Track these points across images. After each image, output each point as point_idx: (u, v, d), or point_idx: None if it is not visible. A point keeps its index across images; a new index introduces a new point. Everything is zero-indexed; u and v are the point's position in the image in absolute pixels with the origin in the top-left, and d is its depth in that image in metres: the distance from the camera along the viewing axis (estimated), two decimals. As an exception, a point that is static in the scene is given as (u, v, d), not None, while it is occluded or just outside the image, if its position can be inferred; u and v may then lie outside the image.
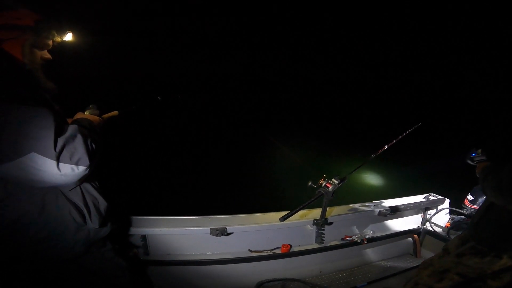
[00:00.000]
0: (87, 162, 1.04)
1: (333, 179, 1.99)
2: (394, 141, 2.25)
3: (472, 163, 1.71)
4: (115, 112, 1.51)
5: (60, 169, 0.98)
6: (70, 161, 1.00)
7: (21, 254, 1.17)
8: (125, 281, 1.43)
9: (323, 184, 1.98)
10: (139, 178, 5.63)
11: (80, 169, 1.03)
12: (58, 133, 1.00)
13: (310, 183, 2.01)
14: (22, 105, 0.97)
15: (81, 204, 1.20)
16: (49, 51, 1.18)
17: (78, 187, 1.20)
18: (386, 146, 2.23)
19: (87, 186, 1.24)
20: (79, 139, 1.04)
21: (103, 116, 1.41)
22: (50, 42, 1.17)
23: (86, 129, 1.14)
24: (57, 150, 0.97)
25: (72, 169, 1.01)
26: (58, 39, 1.19)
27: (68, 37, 1.23)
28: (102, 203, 1.29)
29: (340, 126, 10.93)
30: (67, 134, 1.03)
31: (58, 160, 0.97)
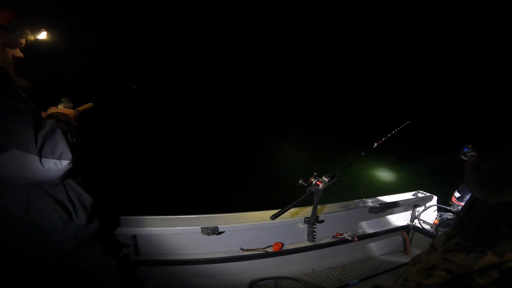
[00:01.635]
0: (70, 156, 1.04)
1: (323, 177, 2.00)
2: (384, 139, 2.28)
3: (464, 158, 1.75)
4: (90, 104, 1.48)
5: (43, 164, 0.98)
6: (52, 155, 1.00)
7: (9, 254, 1.15)
8: (116, 281, 1.42)
9: (314, 182, 1.99)
10: (128, 177, 5.55)
11: (64, 163, 1.03)
12: (38, 128, 0.99)
13: (300, 181, 2.02)
14: None
15: (65, 201, 1.18)
16: (21, 49, 1.15)
17: (61, 184, 1.18)
18: (375, 144, 2.26)
19: (70, 183, 1.23)
20: (58, 133, 1.04)
21: (77, 109, 1.38)
22: (23, 41, 1.14)
23: (63, 123, 1.12)
24: (38, 145, 0.97)
25: (55, 163, 1.01)
26: (31, 37, 1.16)
27: (42, 35, 1.20)
28: (87, 199, 1.27)
29: (330, 124, 11.00)
30: (46, 129, 1.02)
31: (40, 155, 0.97)
